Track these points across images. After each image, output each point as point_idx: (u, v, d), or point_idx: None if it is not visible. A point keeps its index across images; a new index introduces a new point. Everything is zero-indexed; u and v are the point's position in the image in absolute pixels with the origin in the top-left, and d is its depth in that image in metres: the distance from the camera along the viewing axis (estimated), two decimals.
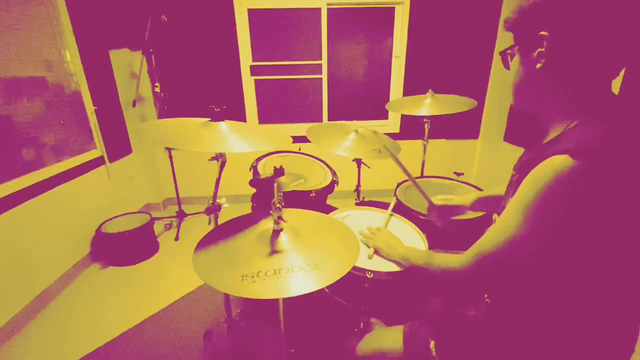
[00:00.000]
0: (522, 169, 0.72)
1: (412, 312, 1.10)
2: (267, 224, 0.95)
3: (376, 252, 1.09)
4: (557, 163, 0.57)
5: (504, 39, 2.91)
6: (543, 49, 0.64)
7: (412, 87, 3.08)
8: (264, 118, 3.23)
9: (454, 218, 1.21)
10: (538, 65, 0.66)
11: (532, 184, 0.61)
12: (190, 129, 1.06)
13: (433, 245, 1.15)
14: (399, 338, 0.91)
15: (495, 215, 0.91)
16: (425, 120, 1.97)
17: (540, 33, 0.63)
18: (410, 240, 1.18)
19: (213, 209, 1.22)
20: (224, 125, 1.06)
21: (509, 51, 0.76)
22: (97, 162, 2.49)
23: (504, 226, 0.67)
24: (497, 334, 0.79)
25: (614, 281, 0.64)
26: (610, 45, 0.60)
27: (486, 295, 0.85)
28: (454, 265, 0.78)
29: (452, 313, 0.92)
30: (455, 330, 0.87)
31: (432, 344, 0.85)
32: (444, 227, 1.19)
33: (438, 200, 1.19)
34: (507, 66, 0.77)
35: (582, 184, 0.56)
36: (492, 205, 1.13)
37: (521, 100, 0.76)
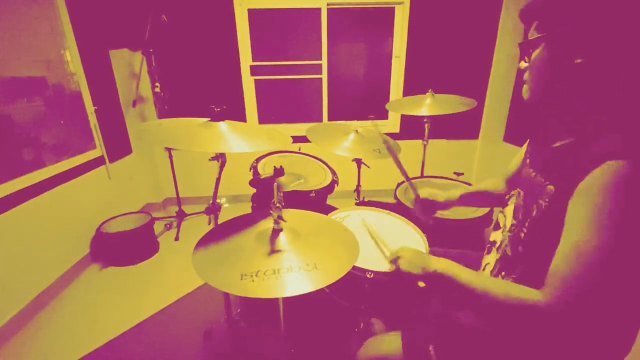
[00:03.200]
0: (548, 171, 0.70)
1: (412, 313, 1.09)
2: (266, 224, 0.95)
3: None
4: (620, 167, 0.56)
5: (504, 39, 2.91)
6: (584, 43, 0.60)
7: (412, 87, 3.08)
8: (264, 118, 3.24)
9: (438, 214, 1.20)
10: (577, 60, 0.61)
11: (602, 193, 0.57)
12: (190, 129, 1.06)
13: (433, 245, 1.15)
14: (398, 343, 0.90)
15: (500, 215, 0.89)
16: (425, 120, 1.97)
17: (584, 24, 0.59)
18: (410, 241, 1.18)
19: (213, 209, 1.22)
20: (224, 125, 1.06)
21: (531, 38, 0.69)
22: (97, 162, 2.48)
23: (587, 249, 0.58)
24: (496, 336, 0.79)
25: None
26: None
27: None
28: (535, 299, 0.61)
29: (451, 316, 0.92)
30: (454, 334, 0.87)
31: (431, 348, 0.85)
32: (425, 222, 1.18)
33: (425, 193, 1.15)
34: (527, 57, 0.72)
35: None
36: (478, 200, 1.14)
37: (544, 95, 0.71)
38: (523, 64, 0.75)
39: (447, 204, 1.14)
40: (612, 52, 0.60)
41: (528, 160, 0.85)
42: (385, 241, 1.10)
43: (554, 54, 0.66)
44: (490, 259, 0.87)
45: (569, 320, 0.59)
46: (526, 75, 0.74)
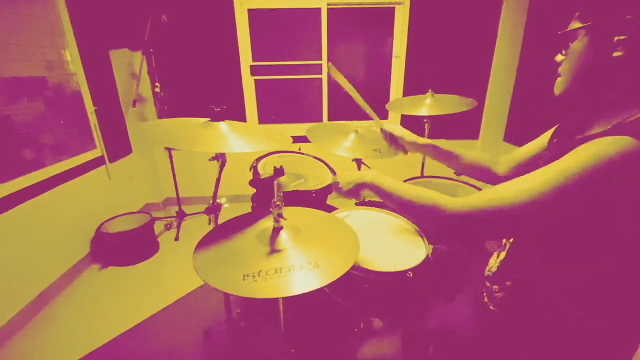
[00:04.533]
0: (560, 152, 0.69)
1: (412, 313, 1.10)
2: (267, 223, 0.95)
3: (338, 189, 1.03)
4: (626, 142, 0.54)
5: (504, 39, 2.91)
6: (625, 36, 0.59)
7: (412, 87, 3.08)
8: (264, 118, 3.24)
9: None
10: (616, 54, 0.60)
11: (588, 155, 0.57)
12: (190, 129, 1.05)
13: (433, 244, 1.15)
14: (398, 343, 0.90)
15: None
16: (425, 120, 1.97)
17: (627, 17, 0.58)
18: (409, 240, 1.18)
19: (213, 209, 1.22)
20: (224, 125, 1.06)
21: (578, 25, 0.67)
22: (97, 162, 2.48)
23: (534, 185, 0.60)
24: (497, 337, 0.79)
25: (632, 273, 0.63)
26: None
27: (486, 299, 0.84)
28: (457, 207, 0.69)
29: (451, 316, 0.92)
30: (454, 334, 0.87)
31: (431, 348, 0.85)
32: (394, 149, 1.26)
33: (388, 126, 1.25)
34: (564, 50, 0.71)
35: None
36: (441, 157, 1.19)
37: (580, 87, 0.69)
38: (560, 57, 0.73)
39: (410, 144, 1.19)
40: None
41: (545, 152, 0.84)
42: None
43: (595, 44, 0.64)
44: (492, 262, 0.87)
45: (471, 229, 0.68)
46: (562, 68, 0.72)
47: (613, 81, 0.64)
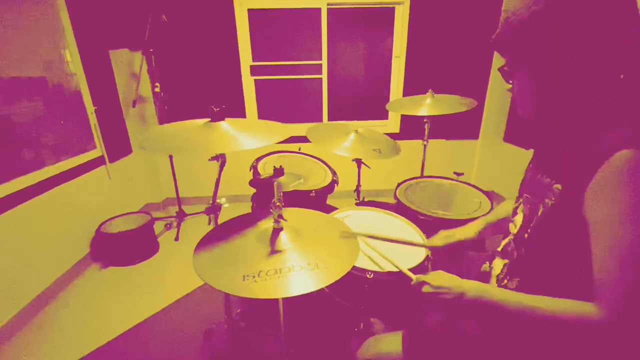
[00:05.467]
0: (554, 170, 0.71)
1: (412, 313, 1.09)
2: (267, 224, 0.95)
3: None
4: (632, 155, 0.57)
5: None
6: (545, 61, 0.64)
7: (412, 87, 3.08)
8: (264, 118, 3.23)
9: (440, 214, 1.20)
10: (544, 77, 0.66)
11: (621, 186, 0.57)
12: (192, 132, 1.04)
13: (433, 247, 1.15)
14: (398, 342, 0.90)
15: (511, 225, 0.85)
16: (425, 120, 1.97)
17: (543, 45, 0.63)
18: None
19: (213, 209, 1.22)
20: (225, 125, 1.05)
21: (506, 68, 0.74)
22: (97, 162, 2.48)
23: (626, 248, 0.57)
24: (498, 336, 0.79)
25: None
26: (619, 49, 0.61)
27: None
28: (588, 312, 0.59)
29: (452, 319, 0.92)
30: (454, 335, 0.87)
31: (430, 348, 0.85)
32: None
33: (439, 240, 1.07)
34: (507, 80, 0.76)
35: None
36: (499, 228, 1.03)
37: (535, 110, 0.73)
38: (509, 86, 0.77)
39: (466, 241, 1.05)
40: (584, 61, 0.63)
41: (531, 165, 0.86)
42: (391, 258, 1.01)
43: (529, 76, 0.70)
44: (496, 264, 0.87)
45: (627, 329, 0.57)
46: (514, 94, 0.76)
47: (560, 99, 0.68)
